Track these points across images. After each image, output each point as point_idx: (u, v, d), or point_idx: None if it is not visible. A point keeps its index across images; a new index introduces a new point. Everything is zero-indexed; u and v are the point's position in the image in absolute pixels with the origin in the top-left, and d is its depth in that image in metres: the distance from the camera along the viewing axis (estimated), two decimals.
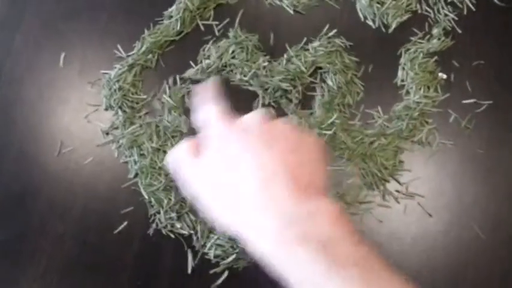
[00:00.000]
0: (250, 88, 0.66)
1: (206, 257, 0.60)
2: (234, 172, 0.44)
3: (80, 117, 0.66)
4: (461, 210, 0.63)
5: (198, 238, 0.61)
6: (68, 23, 0.70)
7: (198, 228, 0.61)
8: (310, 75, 0.67)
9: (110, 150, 0.65)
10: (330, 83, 0.66)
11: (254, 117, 0.47)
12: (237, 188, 0.43)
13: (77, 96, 0.67)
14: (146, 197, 0.62)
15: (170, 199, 0.62)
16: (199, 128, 0.48)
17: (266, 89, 0.66)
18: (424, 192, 0.63)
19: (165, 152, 0.63)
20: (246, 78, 0.66)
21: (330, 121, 0.64)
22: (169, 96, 0.66)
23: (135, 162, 0.63)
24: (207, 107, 0.49)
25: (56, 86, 0.68)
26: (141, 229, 0.62)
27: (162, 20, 0.69)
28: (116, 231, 0.62)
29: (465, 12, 0.70)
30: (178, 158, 0.48)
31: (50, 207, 0.63)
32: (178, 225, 0.61)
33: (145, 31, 0.69)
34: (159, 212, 0.62)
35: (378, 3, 0.70)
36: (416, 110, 0.65)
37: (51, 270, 0.61)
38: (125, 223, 0.62)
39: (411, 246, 0.62)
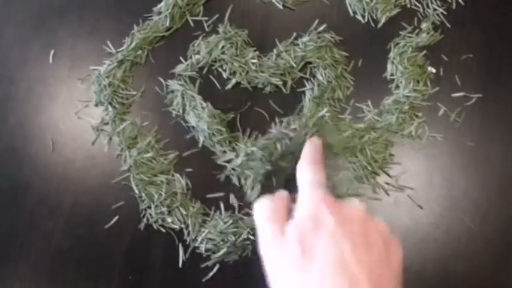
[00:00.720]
0: None
1: (197, 251, 0.61)
2: (315, 265, 0.40)
3: (70, 113, 0.67)
4: (452, 202, 0.64)
5: (189, 232, 0.62)
6: (57, 19, 0.71)
7: (189, 222, 0.62)
8: (300, 70, 0.68)
9: (100, 146, 0.66)
10: (319, 77, 0.67)
11: (356, 210, 0.44)
12: (311, 283, 0.40)
13: (66, 92, 0.68)
14: (137, 191, 0.63)
15: (161, 194, 0.63)
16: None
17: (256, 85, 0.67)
18: (414, 185, 0.64)
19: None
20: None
21: (319, 115, 0.65)
22: None
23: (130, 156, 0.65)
24: (306, 170, 0.47)
25: (46, 82, 0.69)
26: (132, 224, 0.62)
27: (152, 16, 0.70)
28: (106, 226, 0.62)
29: (454, 6, 0.72)
30: (263, 220, 0.45)
31: (40, 203, 0.64)
32: (169, 219, 0.62)
33: (135, 27, 0.70)
34: (149, 207, 0.63)
35: None
36: (406, 104, 0.67)
37: (41, 265, 0.62)
38: (116, 218, 0.63)
39: (402, 238, 0.62)
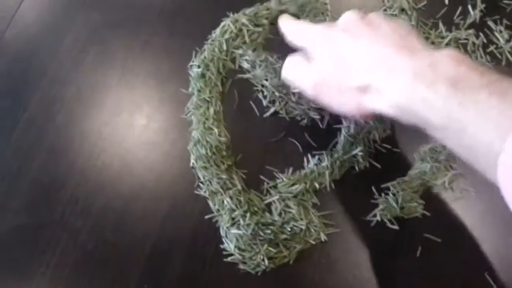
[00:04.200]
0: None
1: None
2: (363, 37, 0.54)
3: (114, 120, 0.73)
4: (477, 259, 0.65)
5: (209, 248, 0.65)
6: (112, 33, 0.78)
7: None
8: None
9: (136, 153, 0.71)
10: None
11: (353, 15, 0.57)
12: (374, 41, 0.53)
13: (113, 100, 0.74)
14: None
15: None
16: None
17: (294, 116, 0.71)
18: (440, 236, 0.66)
19: None
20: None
21: (353, 153, 0.68)
22: None
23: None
24: (306, 28, 0.60)
25: (95, 89, 0.75)
26: (154, 234, 0.66)
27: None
28: (131, 234, 0.67)
29: None
30: (294, 61, 0.61)
31: (72, 202, 0.69)
32: None
33: None
34: None
35: None
36: (443, 154, 0.68)
37: (63, 262, 0.66)
38: (141, 226, 0.67)
39: None
